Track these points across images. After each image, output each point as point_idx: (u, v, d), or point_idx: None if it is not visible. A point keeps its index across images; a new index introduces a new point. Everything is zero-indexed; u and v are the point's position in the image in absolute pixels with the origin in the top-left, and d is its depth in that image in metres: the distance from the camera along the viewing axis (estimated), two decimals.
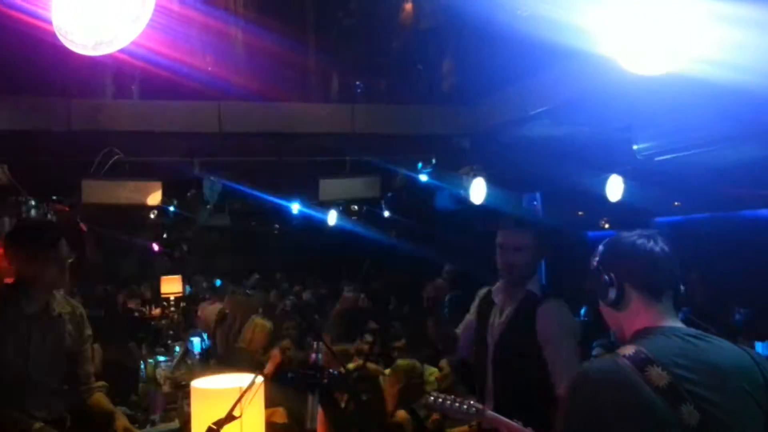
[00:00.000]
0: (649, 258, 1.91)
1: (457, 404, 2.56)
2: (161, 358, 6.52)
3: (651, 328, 1.87)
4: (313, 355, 2.43)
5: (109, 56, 5.41)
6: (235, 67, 6.05)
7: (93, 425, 3.23)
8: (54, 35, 2.48)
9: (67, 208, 7.70)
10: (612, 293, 1.96)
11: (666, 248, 1.93)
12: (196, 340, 6.83)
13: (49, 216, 7.30)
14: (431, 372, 5.22)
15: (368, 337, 6.43)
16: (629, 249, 1.95)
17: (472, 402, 2.57)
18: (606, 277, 1.97)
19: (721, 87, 3.18)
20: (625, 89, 4.39)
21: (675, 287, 1.93)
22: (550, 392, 3.09)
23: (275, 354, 5.21)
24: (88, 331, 3.35)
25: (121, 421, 3.09)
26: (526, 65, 5.54)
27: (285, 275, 14.34)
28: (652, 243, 1.93)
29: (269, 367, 5.00)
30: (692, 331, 1.86)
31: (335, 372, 2.43)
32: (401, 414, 4.04)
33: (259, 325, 5.47)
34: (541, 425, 2.59)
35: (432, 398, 2.62)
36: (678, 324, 1.89)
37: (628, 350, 1.80)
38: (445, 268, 9.36)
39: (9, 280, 3.31)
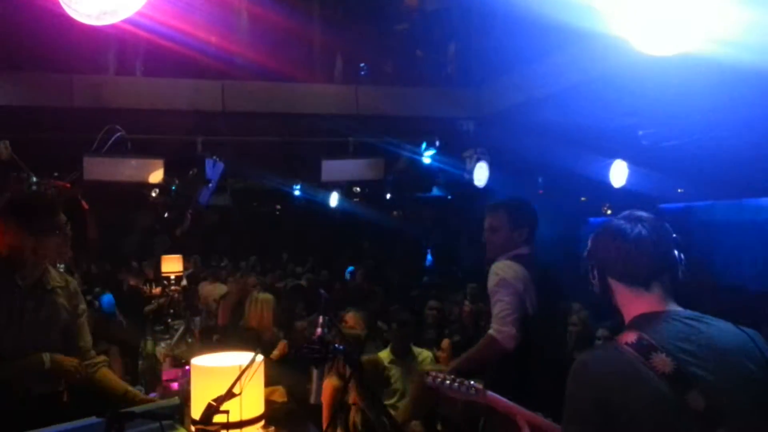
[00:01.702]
0: (629, 248, 1.85)
1: (456, 384, 2.51)
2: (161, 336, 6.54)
3: (649, 313, 1.84)
4: (319, 330, 2.38)
5: (113, 31, 5.37)
6: (239, 43, 6.00)
7: (91, 399, 3.22)
8: (57, 7, 2.45)
9: (68, 185, 7.65)
10: (596, 287, 1.97)
11: (647, 232, 1.85)
12: (196, 319, 6.82)
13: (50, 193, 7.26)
14: (419, 352, 5.22)
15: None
16: (609, 241, 1.90)
17: (472, 382, 2.53)
18: (590, 270, 1.98)
19: (732, 69, 3.14)
20: (631, 74, 4.36)
21: (668, 270, 1.87)
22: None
23: (282, 345, 5.15)
24: (83, 305, 3.33)
25: (139, 396, 3.12)
26: (533, 49, 5.49)
27: (289, 257, 14.33)
28: (631, 227, 1.86)
29: (275, 354, 4.96)
30: (690, 313, 1.84)
31: (340, 347, 2.39)
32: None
33: (265, 301, 5.36)
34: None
35: (431, 377, 2.59)
36: (675, 307, 1.85)
37: (630, 337, 1.77)
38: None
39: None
